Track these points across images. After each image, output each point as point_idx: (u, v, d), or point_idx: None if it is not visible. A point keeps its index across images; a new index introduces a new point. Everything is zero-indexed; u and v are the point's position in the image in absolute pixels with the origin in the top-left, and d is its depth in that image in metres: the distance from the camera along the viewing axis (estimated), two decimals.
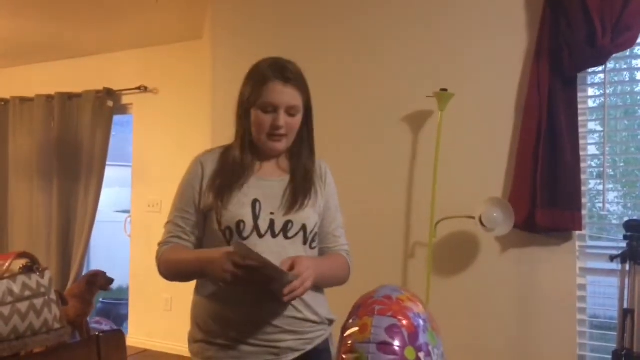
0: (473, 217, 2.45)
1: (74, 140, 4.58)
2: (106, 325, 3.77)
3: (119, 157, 6.11)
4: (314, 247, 1.53)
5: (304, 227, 1.47)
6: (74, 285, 3.94)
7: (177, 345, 4.00)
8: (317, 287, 1.51)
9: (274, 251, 1.40)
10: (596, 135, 2.61)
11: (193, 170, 1.53)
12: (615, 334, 2.22)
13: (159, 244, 1.53)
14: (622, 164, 2.77)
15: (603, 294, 2.51)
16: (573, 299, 2.46)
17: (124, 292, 5.33)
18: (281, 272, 1.28)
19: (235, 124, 1.52)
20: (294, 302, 1.39)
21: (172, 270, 1.50)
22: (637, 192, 2.77)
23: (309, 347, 1.46)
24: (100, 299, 5.65)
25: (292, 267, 1.31)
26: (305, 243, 1.48)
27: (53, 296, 2.05)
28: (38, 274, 2.00)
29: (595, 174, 2.64)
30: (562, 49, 2.37)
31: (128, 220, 4.62)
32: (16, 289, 1.87)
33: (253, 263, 1.25)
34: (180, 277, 1.51)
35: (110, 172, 4.76)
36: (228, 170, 1.48)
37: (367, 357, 1.03)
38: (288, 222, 1.46)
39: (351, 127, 2.97)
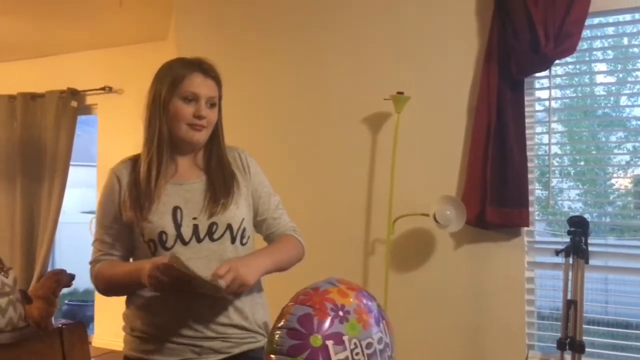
0: (428, 215, 2.55)
1: (37, 141, 4.54)
2: None
3: (85, 157, 6.06)
4: (245, 243, 1.51)
5: (229, 227, 1.45)
6: (36, 285, 3.92)
7: None
8: (257, 292, 1.54)
9: (201, 256, 1.41)
10: (558, 135, 2.75)
11: (109, 185, 1.49)
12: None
13: (90, 263, 1.51)
14: (582, 163, 2.92)
15: (552, 286, 2.64)
16: (522, 291, 2.59)
17: (90, 294, 5.30)
18: (212, 284, 1.29)
19: (146, 126, 1.47)
20: (230, 310, 1.43)
21: (108, 286, 1.49)
22: (597, 189, 2.92)
23: (236, 351, 1.46)
24: (66, 301, 5.60)
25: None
26: (233, 242, 1.47)
27: (17, 295, 2.08)
28: (2, 273, 2.04)
29: (557, 172, 2.79)
30: (509, 55, 2.50)
31: (93, 221, 4.59)
32: None
33: (184, 274, 1.26)
34: (117, 291, 1.50)
35: (76, 173, 4.72)
36: (143, 180, 1.43)
37: (278, 341, 1.11)
38: (212, 224, 1.44)
39: (312, 129, 3.05)
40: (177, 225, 1.41)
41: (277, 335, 1.11)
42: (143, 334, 1.45)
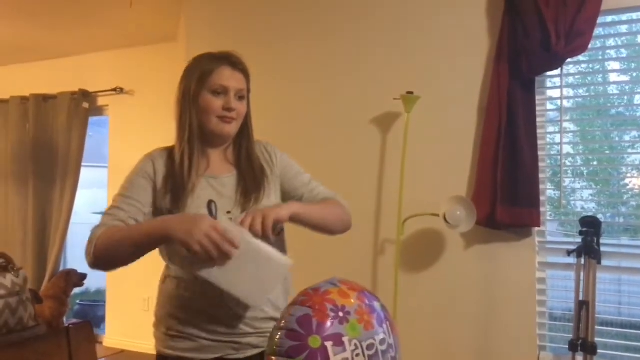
0: (438, 215, 2.54)
1: (49, 142, 4.59)
2: None
3: (97, 158, 6.10)
4: (279, 233, 1.52)
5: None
6: (48, 285, 3.97)
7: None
8: (290, 285, 1.54)
9: None
10: (570, 134, 2.73)
11: (144, 166, 1.46)
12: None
13: (95, 227, 1.39)
14: (594, 163, 2.89)
15: (564, 287, 2.61)
16: (533, 292, 2.56)
17: (102, 294, 5.34)
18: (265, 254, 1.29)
19: (177, 120, 1.47)
20: (263, 304, 1.41)
21: (116, 245, 1.34)
22: (611, 189, 2.89)
23: None
24: (78, 301, 5.65)
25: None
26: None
27: (28, 295, 2.10)
28: (13, 273, 2.05)
29: (570, 172, 2.76)
30: (520, 53, 2.47)
31: None
32: None
33: (231, 240, 1.24)
34: (123, 253, 1.34)
35: (88, 174, 4.76)
36: (177, 173, 1.43)
37: (277, 342, 1.10)
38: None
39: (322, 129, 3.05)
40: (213, 218, 1.40)
41: (277, 336, 1.10)
42: (180, 333, 1.44)
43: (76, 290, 4.01)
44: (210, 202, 1.44)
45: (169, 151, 1.49)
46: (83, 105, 4.49)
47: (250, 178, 1.49)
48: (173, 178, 1.43)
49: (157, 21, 3.96)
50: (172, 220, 1.30)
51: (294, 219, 1.39)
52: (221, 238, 1.23)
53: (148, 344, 4.30)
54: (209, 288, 1.32)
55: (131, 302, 4.43)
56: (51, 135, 4.61)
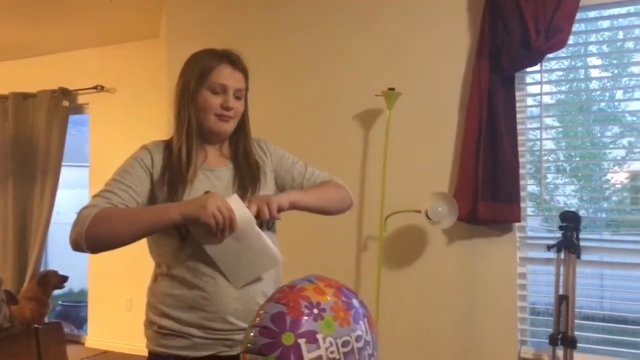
0: (420, 211, 2.54)
1: (29, 141, 4.53)
2: (66, 328, 3.76)
3: (79, 158, 6.03)
4: (271, 227, 1.53)
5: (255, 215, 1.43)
6: (27, 287, 3.92)
7: (138, 345, 3.99)
8: (281, 278, 1.53)
9: None
10: (553, 131, 2.74)
11: (141, 156, 1.46)
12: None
13: (85, 207, 1.35)
14: (577, 159, 2.90)
15: (544, 282, 2.62)
16: (514, 287, 2.58)
17: (85, 294, 5.29)
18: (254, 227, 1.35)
19: (175, 115, 1.48)
20: (256, 296, 1.43)
21: (118, 224, 1.33)
22: (593, 185, 2.91)
23: None
24: (60, 302, 5.59)
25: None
26: (260, 227, 1.45)
27: (2, 296, 2.06)
28: None
29: (553, 168, 2.78)
30: (500, 50, 2.48)
31: None
32: None
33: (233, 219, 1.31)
34: (126, 233, 1.33)
35: (70, 173, 4.70)
36: (175, 164, 1.44)
37: (251, 340, 1.09)
38: None
39: (304, 125, 3.04)
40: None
41: (251, 334, 1.09)
42: (172, 331, 1.44)
43: (60, 291, 3.95)
44: (206, 193, 1.44)
45: (166, 143, 1.51)
46: (63, 103, 4.44)
47: (247, 172, 1.52)
48: (171, 170, 1.45)
49: (139, 18, 3.92)
50: (185, 201, 1.37)
51: (294, 206, 1.45)
52: (229, 213, 1.31)
53: (131, 345, 4.29)
54: (201, 285, 1.39)
55: (114, 303, 4.38)
56: (31, 134, 4.54)
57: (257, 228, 1.38)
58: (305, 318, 1.09)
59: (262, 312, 1.11)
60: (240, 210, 1.34)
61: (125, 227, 1.33)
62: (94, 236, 1.31)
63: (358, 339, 1.15)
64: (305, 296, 1.13)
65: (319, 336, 1.08)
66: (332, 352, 1.09)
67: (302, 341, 1.06)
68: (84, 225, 1.31)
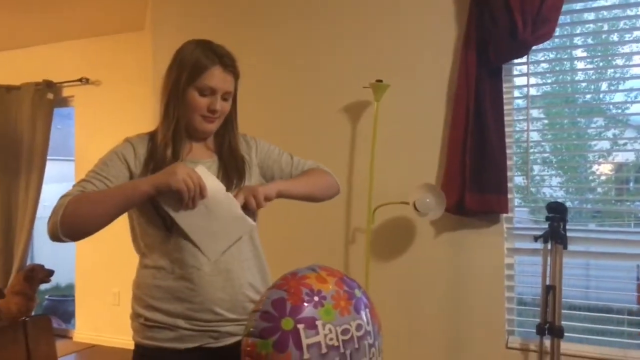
0: (407, 203, 2.55)
1: (12, 134, 4.46)
2: (54, 322, 3.73)
3: (65, 152, 5.96)
4: (255, 220, 1.53)
5: (243, 206, 1.45)
6: (13, 281, 3.89)
7: (126, 339, 3.97)
8: (260, 266, 1.54)
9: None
10: (539, 123, 2.75)
11: (123, 149, 1.46)
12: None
13: (62, 196, 1.37)
14: (563, 150, 2.93)
15: (532, 272, 2.65)
16: (501, 277, 2.60)
17: (73, 288, 5.26)
18: (229, 200, 1.38)
19: (163, 107, 1.47)
20: (242, 287, 1.44)
21: (90, 208, 1.33)
22: (578, 176, 2.94)
23: None
24: (47, 296, 5.55)
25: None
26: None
27: None
28: None
29: (539, 160, 2.79)
30: (487, 41, 2.48)
31: None
32: None
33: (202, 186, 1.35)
34: (97, 216, 1.34)
35: (56, 167, 4.65)
36: (160, 157, 1.44)
37: (252, 324, 1.11)
38: None
39: (291, 118, 3.03)
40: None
41: (253, 318, 1.11)
42: (158, 323, 1.44)
43: (47, 285, 3.92)
44: None
45: (150, 135, 1.51)
46: (47, 96, 4.37)
47: (232, 165, 1.52)
48: (155, 161, 1.45)
49: (124, 9, 3.87)
50: (154, 174, 1.37)
51: (282, 194, 1.47)
52: (198, 180, 1.34)
53: (119, 339, 4.27)
54: (186, 276, 1.40)
55: (101, 297, 4.36)
56: (15, 127, 4.47)
57: (227, 193, 1.40)
58: (306, 304, 1.11)
59: (264, 297, 1.13)
60: (208, 177, 1.38)
61: (98, 208, 1.34)
62: (69, 222, 1.32)
63: (358, 327, 1.17)
64: (307, 284, 1.15)
65: (319, 322, 1.10)
66: (330, 339, 1.10)
67: (301, 327, 1.08)
68: (58, 214, 1.32)
